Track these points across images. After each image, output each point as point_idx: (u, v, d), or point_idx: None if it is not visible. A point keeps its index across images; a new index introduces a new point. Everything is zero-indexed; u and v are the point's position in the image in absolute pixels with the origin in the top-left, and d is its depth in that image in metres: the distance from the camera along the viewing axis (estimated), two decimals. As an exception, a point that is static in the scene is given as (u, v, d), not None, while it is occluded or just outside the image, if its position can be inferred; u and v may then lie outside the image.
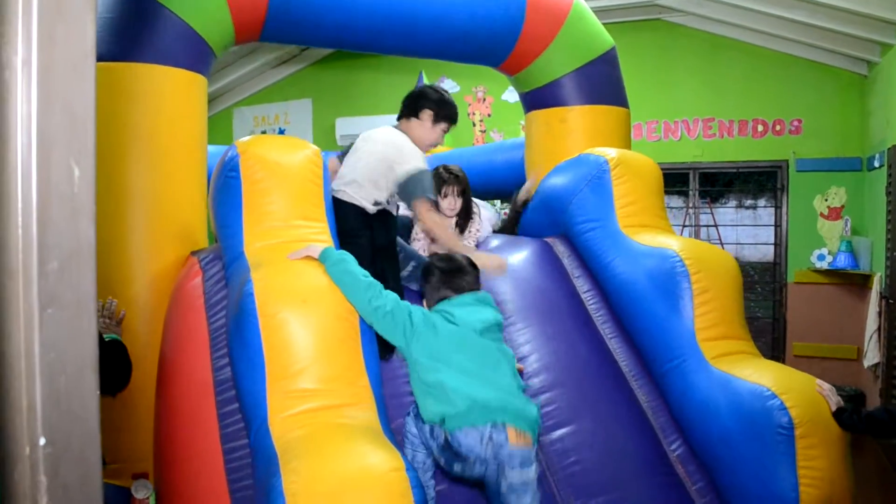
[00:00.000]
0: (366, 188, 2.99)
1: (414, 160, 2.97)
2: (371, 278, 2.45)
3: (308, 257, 2.53)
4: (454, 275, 2.60)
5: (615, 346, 3.16)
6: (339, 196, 3.01)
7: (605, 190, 3.35)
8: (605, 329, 3.21)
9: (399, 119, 3.24)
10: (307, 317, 2.36)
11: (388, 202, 3.03)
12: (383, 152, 3.03)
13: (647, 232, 3.25)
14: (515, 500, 2.23)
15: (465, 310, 2.47)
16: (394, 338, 2.41)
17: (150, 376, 3.08)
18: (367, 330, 2.48)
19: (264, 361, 2.30)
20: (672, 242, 3.10)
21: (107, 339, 2.78)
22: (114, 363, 2.74)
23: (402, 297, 2.56)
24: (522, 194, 4.08)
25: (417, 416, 2.42)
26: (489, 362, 2.39)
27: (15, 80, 0.93)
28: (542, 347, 2.98)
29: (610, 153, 3.48)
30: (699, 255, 3.02)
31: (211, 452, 2.59)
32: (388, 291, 2.44)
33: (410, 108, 3.20)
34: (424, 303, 2.65)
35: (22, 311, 0.93)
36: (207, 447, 2.60)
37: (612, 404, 2.91)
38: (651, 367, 3.05)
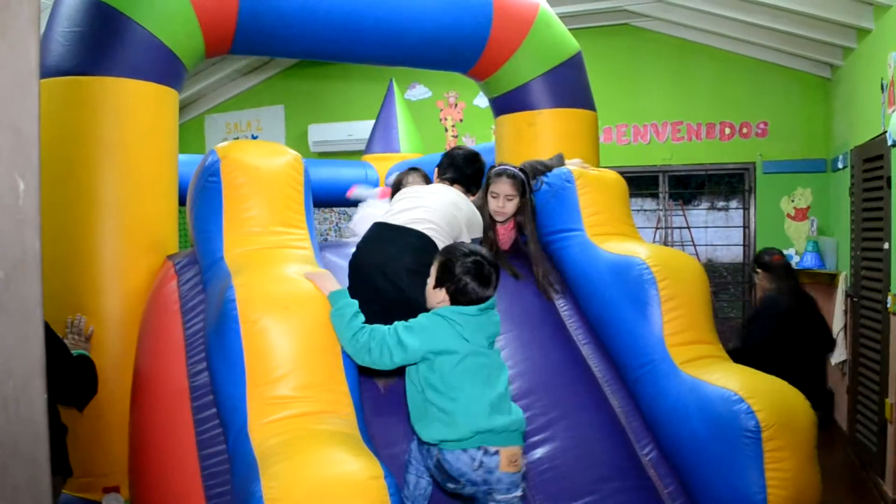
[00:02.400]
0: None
1: None
2: (358, 324, 2.35)
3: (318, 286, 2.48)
4: (481, 282, 2.39)
5: (588, 352, 3.20)
6: None
7: (570, 201, 3.40)
8: (578, 336, 3.25)
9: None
10: (288, 323, 2.36)
11: None
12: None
13: (615, 240, 3.30)
14: None
15: (477, 323, 2.37)
16: (399, 363, 2.34)
17: (124, 388, 3.07)
18: None
19: (244, 367, 2.30)
20: (639, 250, 3.15)
21: (75, 355, 2.78)
22: (80, 377, 2.74)
23: None
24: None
25: (425, 446, 2.39)
26: (494, 381, 2.35)
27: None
28: (516, 354, 3.01)
29: (573, 164, 3.59)
30: (665, 262, 3.06)
31: (187, 458, 2.59)
32: (373, 329, 2.33)
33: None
34: (431, 290, 2.45)
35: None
36: (183, 453, 2.61)
37: (585, 410, 2.94)
38: (623, 373, 3.09)
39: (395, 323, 2.37)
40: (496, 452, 2.26)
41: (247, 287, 2.42)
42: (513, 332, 3.07)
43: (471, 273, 2.37)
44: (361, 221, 3.42)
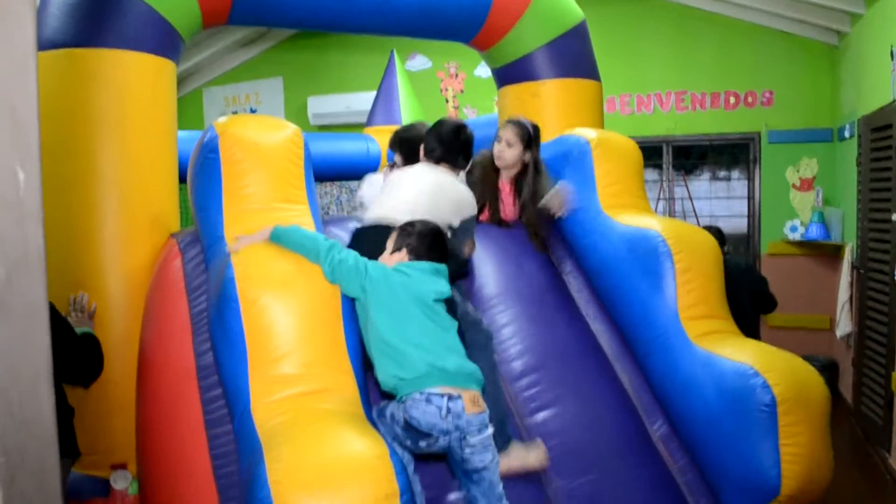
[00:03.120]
0: None
1: None
2: (330, 240, 2.46)
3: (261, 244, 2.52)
4: (432, 246, 2.55)
5: (597, 326, 3.17)
6: None
7: (586, 171, 3.33)
8: (588, 310, 3.21)
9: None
10: (289, 301, 2.34)
11: None
12: None
13: (629, 212, 3.25)
14: (479, 460, 2.29)
15: (423, 276, 2.45)
16: (353, 290, 2.40)
17: (129, 366, 3.05)
18: (349, 312, 2.45)
19: (246, 347, 2.28)
20: (654, 223, 3.10)
21: (79, 333, 2.75)
22: (85, 356, 2.71)
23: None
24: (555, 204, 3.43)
25: (380, 413, 2.40)
26: (444, 324, 2.41)
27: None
28: (523, 329, 2.97)
29: (590, 134, 3.46)
30: (681, 235, 3.02)
31: (195, 438, 2.56)
32: (349, 249, 2.46)
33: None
34: (386, 254, 2.58)
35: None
36: (191, 433, 2.58)
37: (594, 385, 2.91)
38: (634, 347, 3.05)
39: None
40: (458, 396, 2.27)
41: (246, 265, 2.38)
42: (519, 307, 3.03)
43: (427, 239, 2.55)
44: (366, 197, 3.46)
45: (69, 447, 2.62)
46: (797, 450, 2.53)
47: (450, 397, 2.25)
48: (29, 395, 0.97)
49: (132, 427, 3.01)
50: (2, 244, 0.93)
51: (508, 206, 3.44)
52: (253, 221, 2.64)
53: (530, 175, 3.35)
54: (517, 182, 3.42)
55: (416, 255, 2.52)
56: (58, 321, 2.59)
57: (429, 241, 2.54)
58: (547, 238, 3.37)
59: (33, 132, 0.96)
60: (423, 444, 2.29)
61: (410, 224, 2.59)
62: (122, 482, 2.93)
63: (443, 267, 2.53)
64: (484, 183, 3.39)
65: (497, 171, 3.44)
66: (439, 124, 3.10)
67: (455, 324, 2.47)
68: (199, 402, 2.59)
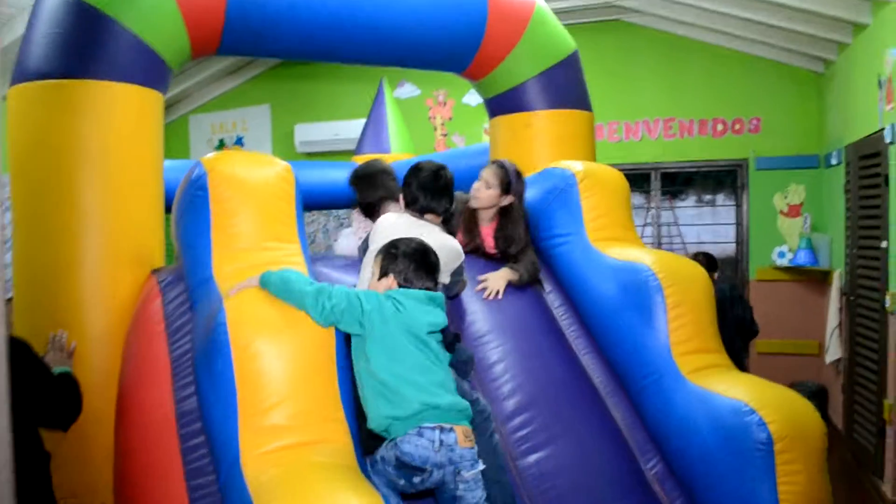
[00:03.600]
0: None
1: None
2: (317, 284, 2.37)
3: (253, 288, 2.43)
4: (420, 266, 2.46)
5: (589, 362, 3.12)
6: None
7: (573, 204, 3.31)
8: (578, 345, 3.16)
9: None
10: (282, 346, 2.26)
11: None
12: None
13: (617, 245, 3.22)
14: (472, 497, 2.25)
15: (417, 306, 2.37)
16: (351, 328, 2.33)
17: (109, 406, 2.95)
18: (342, 357, 2.38)
19: (236, 396, 2.19)
20: (644, 256, 3.08)
21: (57, 373, 2.67)
22: (62, 397, 2.64)
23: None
24: None
25: (373, 462, 2.32)
26: (437, 358, 2.35)
27: None
28: (515, 366, 2.92)
29: (576, 166, 3.44)
30: (671, 269, 3.00)
31: (175, 489, 2.45)
32: (337, 286, 2.36)
33: None
34: (374, 280, 2.50)
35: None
36: (171, 484, 2.47)
37: (587, 423, 2.85)
38: (626, 384, 3.01)
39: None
40: (451, 429, 2.22)
41: (238, 309, 2.30)
42: (511, 343, 2.97)
43: (415, 259, 2.45)
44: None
45: (45, 496, 2.53)
46: (795, 488, 2.50)
47: (442, 429, 2.20)
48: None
49: (111, 470, 2.92)
50: None
51: (490, 248, 3.40)
52: (242, 261, 2.58)
53: (508, 220, 3.31)
54: (497, 227, 3.37)
55: (405, 279, 2.44)
56: (34, 363, 2.52)
57: (417, 263, 2.46)
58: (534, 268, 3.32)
59: None
60: (416, 479, 2.22)
61: (394, 245, 2.50)
62: (102, 528, 2.85)
63: (438, 295, 2.45)
64: (465, 228, 3.37)
65: (474, 214, 3.39)
66: (417, 171, 2.92)
67: (448, 357, 2.42)
68: (178, 451, 2.49)
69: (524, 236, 3.29)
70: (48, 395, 2.54)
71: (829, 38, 5.80)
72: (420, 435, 2.19)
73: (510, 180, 3.30)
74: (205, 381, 2.33)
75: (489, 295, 3.10)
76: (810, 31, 5.78)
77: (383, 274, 2.47)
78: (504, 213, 3.35)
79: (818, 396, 6.20)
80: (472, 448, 2.26)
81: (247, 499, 2.00)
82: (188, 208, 2.74)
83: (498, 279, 3.15)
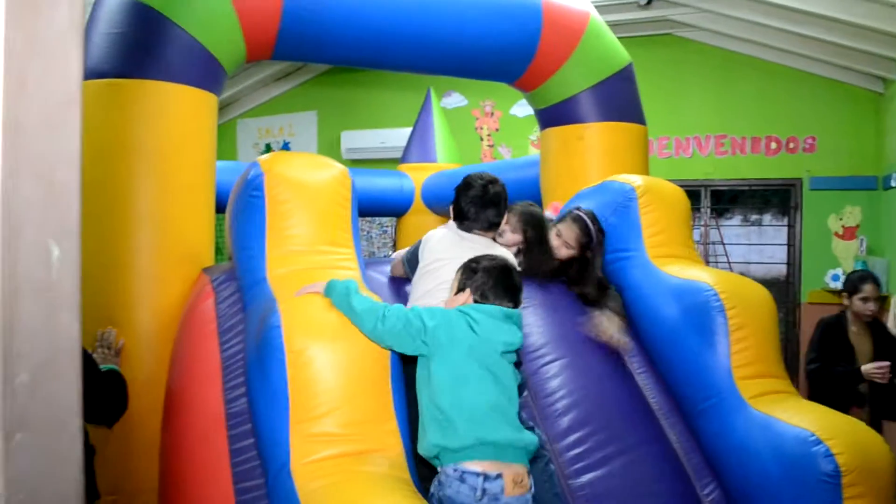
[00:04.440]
0: None
1: None
2: (375, 302, 2.25)
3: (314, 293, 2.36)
4: (499, 284, 2.30)
5: (644, 381, 3.02)
6: None
7: (632, 219, 3.21)
8: (634, 363, 3.06)
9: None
10: (336, 354, 2.20)
11: None
12: None
13: (677, 263, 3.12)
14: None
15: (492, 322, 2.21)
16: (412, 349, 2.20)
17: (156, 406, 2.96)
18: (397, 368, 2.32)
19: (288, 401, 2.15)
20: (705, 275, 2.97)
21: (103, 370, 2.67)
22: (109, 394, 2.63)
23: None
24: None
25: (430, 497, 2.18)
26: (505, 383, 2.18)
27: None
28: (570, 383, 2.83)
29: (636, 181, 3.34)
30: (734, 289, 2.89)
31: (222, 491, 2.43)
32: (393, 306, 2.23)
33: None
34: (451, 294, 2.38)
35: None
36: (218, 485, 2.45)
37: (643, 444, 2.76)
38: (684, 406, 2.91)
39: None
40: (498, 475, 2.03)
41: (293, 313, 2.25)
42: (567, 359, 2.89)
43: (493, 276, 2.31)
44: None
45: (89, 489, 2.53)
46: (863, 525, 2.38)
47: (486, 477, 2.03)
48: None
49: (156, 469, 2.91)
50: (26, 340, 0.73)
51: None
52: (296, 263, 2.54)
53: (580, 266, 3.21)
54: (568, 262, 3.24)
55: (481, 295, 2.29)
56: (82, 357, 2.51)
57: (496, 279, 2.30)
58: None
59: (73, 200, 0.77)
60: None
61: (475, 260, 2.37)
62: (144, 527, 2.84)
63: (515, 312, 2.30)
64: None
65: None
66: (466, 185, 2.83)
67: (518, 379, 2.27)
68: (227, 452, 2.46)
69: (602, 282, 3.18)
70: (95, 389, 2.53)
71: (887, 56, 5.64)
72: (462, 481, 2.04)
73: (591, 242, 3.17)
74: (256, 382, 2.29)
75: (580, 332, 3.04)
76: (868, 48, 5.64)
77: (460, 289, 2.34)
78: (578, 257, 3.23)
79: (872, 426, 5.99)
80: (522, 495, 2.08)
81: (295, 504, 1.95)
82: (244, 209, 2.71)
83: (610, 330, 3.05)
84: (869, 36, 5.46)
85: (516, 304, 2.34)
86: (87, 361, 2.56)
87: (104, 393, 2.61)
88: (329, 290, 2.33)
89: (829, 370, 3.94)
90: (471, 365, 2.14)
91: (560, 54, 4.03)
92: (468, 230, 2.81)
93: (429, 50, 3.83)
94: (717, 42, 6.91)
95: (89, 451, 2.58)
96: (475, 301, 2.29)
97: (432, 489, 2.15)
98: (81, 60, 0.78)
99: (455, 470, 2.06)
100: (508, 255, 2.78)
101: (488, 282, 2.30)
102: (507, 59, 4.03)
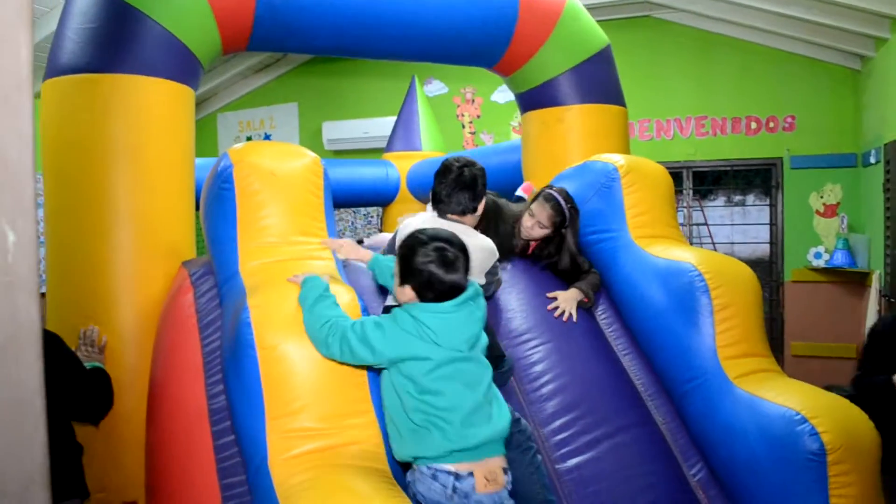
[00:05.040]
0: None
1: None
2: (333, 318, 2.13)
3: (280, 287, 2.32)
4: (447, 269, 2.13)
5: (629, 363, 3.03)
6: None
7: (615, 199, 3.20)
8: (619, 345, 3.07)
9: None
10: (309, 349, 2.17)
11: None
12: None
13: (661, 243, 3.12)
14: None
15: (451, 323, 2.10)
16: (366, 359, 2.11)
17: (140, 401, 2.96)
18: None
19: (263, 397, 2.13)
20: (689, 255, 2.97)
21: (88, 368, 2.65)
22: (94, 392, 2.62)
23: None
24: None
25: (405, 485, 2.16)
26: (473, 389, 2.09)
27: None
28: (556, 366, 2.84)
29: (619, 160, 3.32)
30: (719, 269, 2.89)
31: (208, 486, 2.43)
32: (339, 329, 2.11)
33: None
34: (396, 285, 2.22)
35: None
36: (203, 481, 2.45)
37: (629, 428, 2.76)
38: (669, 387, 2.92)
39: (365, 318, 2.16)
40: (469, 474, 2.03)
41: (263, 308, 2.23)
42: (552, 343, 2.90)
43: (434, 262, 2.12)
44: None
45: (77, 487, 2.52)
46: (848, 501, 2.39)
47: (458, 476, 2.03)
48: (20, 505, 0.77)
49: (143, 464, 2.91)
50: None
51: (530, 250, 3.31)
52: (269, 255, 2.52)
53: (555, 244, 3.21)
54: (543, 243, 3.25)
55: (422, 297, 2.14)
56: (66, 356, 2.51)
57: (436, 271, 2.12)
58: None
59: (27, 181, 0.78)
60: None
61: (410, 247, 2.17)
62: (133, 521, 2.84)
63: (472, 292, 2.17)
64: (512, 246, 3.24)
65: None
66: (443, 170, 2.78)
67: (489, 370, 2.19)
68: (211, 448, 2.45)
69: (576, 259, 3.19)
70: (80, 388, 2.52)
71: (865, 33, 5.65)
72: (434, 478, 2.04)
73: (565, 223, 3.16)
74: (232, 380, 2.27)
75: (560, 315, 3.02)
76: (846, 26, 5.64)
77: (402, 282, 2.19)
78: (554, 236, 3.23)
79: (854, 402, 6.04)
80: (496, 492, 2.06)
81: (274, 501, 1.94)
82: (214, 201, 2.68)
83: (569, 301, 3.05)
84: (846, 13, 5.47)
85: (466, 271, 2.19)
86: (71, 359, 2.54)
87: (89, 391, 2.60)
88: (303, 283, 2.28)
89: (870, 380, 3.65)
90: (435, 378, 2.06)
91: (537, 37, 4.02)
92: (443, 214, 2.78)
93: (405, 36, 3.82)
94: (695, 23, 6.90)
95: (77, 450, 2.58)
96: (419, 294, 2.16)
97: (408, 477, 2.15)
98: (30, 46, 0.80)
99: (429, 468, 2.06)
100: (486, 242, 2.76)
101: (430, 279, 2.13)
102: (485, 43, 4.02)
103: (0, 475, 0.76)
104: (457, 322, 2.12)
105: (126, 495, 2.98)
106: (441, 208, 2.78)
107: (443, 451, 2.03)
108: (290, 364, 2.16)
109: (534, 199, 3.22)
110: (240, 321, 2.22)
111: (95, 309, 3.03)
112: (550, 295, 3.08)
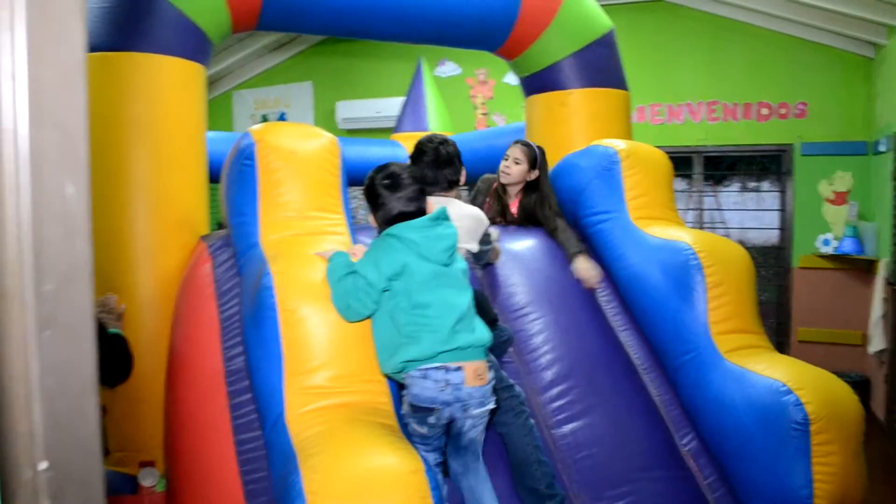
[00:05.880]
0: None
1: None
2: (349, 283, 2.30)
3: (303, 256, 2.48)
4: (408, 199, 2.37)
5: (626, 338, 3.13)
6: None
7: (615, 182, 3.29)
8: (616, 321, 3.17)
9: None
10: (327, 312, 2.31)
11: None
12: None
13: (658, 224, 3.21)
14: (473, 432, 2.28)
15: (429, 235, 2.30)
16: (371, 308, 2.30)
17: (158, 366, 3.07)
18: None
19: (282, 356, 2.27)
20: (684, 235, 3.06)
21: (109, 333, 2.75)
22: (114, 357, 2.71)
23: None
24: None
25: (400, 419, 2.33)
26: (458, 297, 2.29)
27: (1, 96, 0.89)
28: (554, 338, 2.95)
29: (619, 144, 3.42)
30: (712, 248, 2.98)
31: (222, 442, 2.57)
32: (348, 284, 2.28)
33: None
34: (370, 217, 2.47)
35: (19, 335, 0.90)
36: (219, 436, 2.58)
37: (623, 397, 2.87)
38: (663, 361, 3.01)
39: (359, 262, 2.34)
40: (458, 368, 2.21)
41: (284, 274, 2.36)
42: (551, 316, 3.00)
43: (385, 187, 2.38)
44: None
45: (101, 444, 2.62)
46: (830, 469, 2.48)
47: (447, 370, 2.21)
48: (76, 408, 0.96)
49: (160, 426, 3.03)
50: (51, 258, 0.92)
51: (514, 215, 3.57)
52: (288, 229, 2.64)
53: (535, 191, 3.50)
54: (524, 197, 3.55)
55: (379, 221, 2.40)
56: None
57: (410, 194, 2.37)
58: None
59: (82, 146, 0.95)
60: (431, 419, 2.25)
61: (369, 178, 2.43)
62: (150, 479, 2.95)
63: (440, 212, 2.37)
64: (494, 200, 3.55)
65: (504, 189, 3.57)
66: (420, 153, 2.90)
67: (467, 288, 2.36)
68: (227, 407, 2.58)
69: (555, 206, 3.44)
70: (102, 352, 2.60)
71: (878, 21, 5.65)
72: (425, 377, 2.21)
73: (536, 156, 3.48)
74: (252, 341, 2.40)
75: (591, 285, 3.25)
76: (859, 14, 5.64)
77: (370, 210, 2.45)
78: (530, 187, 3.52)
79: (860, 388, 6.08)
80: (483, 386, 2.25)
81: (290, 452, 2.06)
82: (237, 178, 2.79)
83: (588, 270, 3.25)
84: (859, 1, 5.48)
85: (424, 195, 2.42)
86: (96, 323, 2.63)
87: (111, 356, 2.69)
88: (331, 259, 2.40)
89: None
90: (424, 286, 2.25)
91: (541, 21, 4.06)
92: (430, 193, 2.87)
93: (410, 19, 3.87)
94: (707, 8, 6.91)
95: (101, 410, 2.67)
96: (387, 217, 2.37)
97: (402, 410, 2.29)
98: (85, 30, 0.96)
99: (419, 370, 2.22)
100: (473, 210, 2.87)
101: (384, 201, 2.37)
102: (489, 27, 4.05)
103: (62, 381, 0.94)
104: (435, 235, 2.31)
105: (144, 455, 3.10)
106: (428, 189, 2.85)
107: (432, 352, 2.21)
108: (309, 327, 2.29)
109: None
110: (261, 286, 2.35)
111: (114, 279, 3.14)
112: (576, 268, 3.25)
